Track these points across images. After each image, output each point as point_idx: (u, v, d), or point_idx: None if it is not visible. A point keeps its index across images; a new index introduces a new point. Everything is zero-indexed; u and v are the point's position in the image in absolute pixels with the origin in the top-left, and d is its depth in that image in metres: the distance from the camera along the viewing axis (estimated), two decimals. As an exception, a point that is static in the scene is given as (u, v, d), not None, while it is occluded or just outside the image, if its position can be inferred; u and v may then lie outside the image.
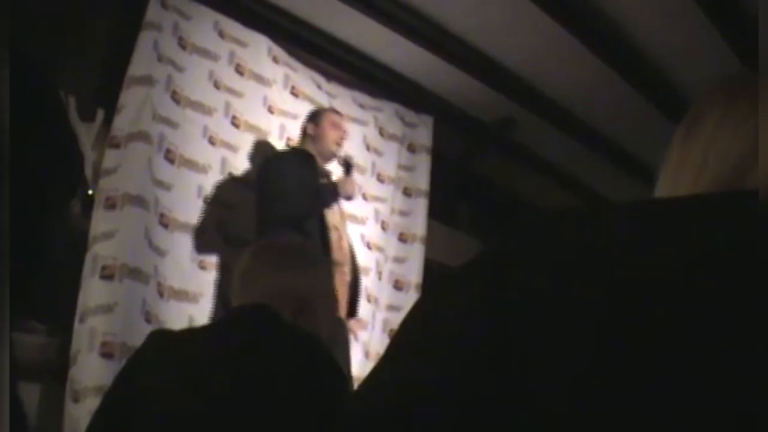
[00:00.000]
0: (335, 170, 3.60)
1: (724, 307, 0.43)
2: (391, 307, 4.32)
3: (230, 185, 3.64)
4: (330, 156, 3.53)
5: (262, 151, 3.75)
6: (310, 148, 3.49)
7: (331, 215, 3.38)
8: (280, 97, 3.99)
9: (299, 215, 3.20)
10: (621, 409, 0.42)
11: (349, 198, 3.43)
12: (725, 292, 0.44)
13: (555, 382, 0.43)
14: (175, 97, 3.48)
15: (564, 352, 0.44)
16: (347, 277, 3.43)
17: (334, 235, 3.34)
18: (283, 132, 3.98)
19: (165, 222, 3.34)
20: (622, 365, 0.43)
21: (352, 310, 3.49)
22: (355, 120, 4.34)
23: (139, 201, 3.15)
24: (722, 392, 0.41)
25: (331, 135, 3.49)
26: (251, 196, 3.46)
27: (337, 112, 3.71)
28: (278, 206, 3.19)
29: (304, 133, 3.56)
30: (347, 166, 3.48)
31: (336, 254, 3.32)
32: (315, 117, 3.59)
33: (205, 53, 3.65)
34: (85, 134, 3.23)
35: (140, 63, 3.29)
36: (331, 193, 3.36)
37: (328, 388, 1.42)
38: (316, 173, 3.41)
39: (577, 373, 0.43)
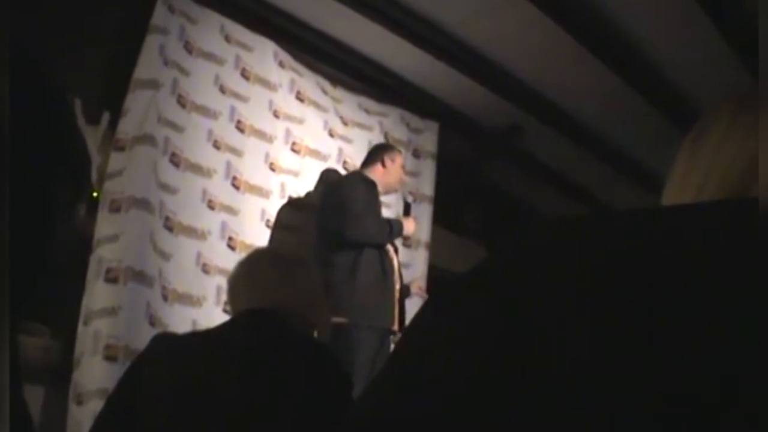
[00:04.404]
0: (394, 205, 3.93)
1: (725, 312, 0.44)
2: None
3: (292, 209, 3.86)
4: (391, 191, 3.80)
5: (326, 176, 3.94)
6: (378, 176, 3.71)
7: None
8: (285, 101, 4.00)
9: (366, 241, 3.42)
10: (624, 410, 0.42)
11: (406, 237, 3.72)
12: (726, 298, 0.44)
13: (561, 385, 0.44)
14: (181, 101, 3.49)
15: (570, 356, 0.44)
16: (397, 294, 3.64)
17: (390, 254, 3.59)
18: (289, 136, 3.99)
19: (170, 225, 3.35)
20: (625, 367, 0.43)
21: (401, 323, 3.63)
22: (360, 125, 4.36)
23: (143, 204, 3.15)
24: (724, 391, 0.41)
25: (399, 175, 3.80)
26: (312, 219, 3.72)
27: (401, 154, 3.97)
28: (347, 229, 3.38)
29: (380, 162, 3.76)
30: (408, 207, 3.79)
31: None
32: (391, 152, 3.83)
33: (211, 57, 3.67)
34: (91, 137, 3.23)
35: (146, 66, 3.30)
36: (399, 229, 3.59)
37: (331, 390, 1.43)
38: (379, 201, 3.64)
39: (582, 377, 0.44)
